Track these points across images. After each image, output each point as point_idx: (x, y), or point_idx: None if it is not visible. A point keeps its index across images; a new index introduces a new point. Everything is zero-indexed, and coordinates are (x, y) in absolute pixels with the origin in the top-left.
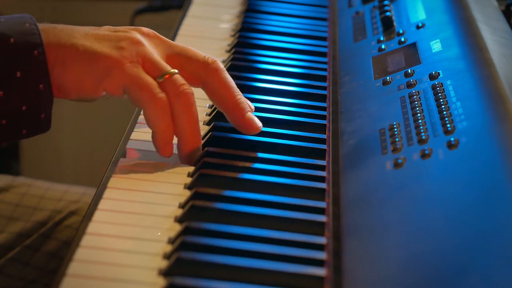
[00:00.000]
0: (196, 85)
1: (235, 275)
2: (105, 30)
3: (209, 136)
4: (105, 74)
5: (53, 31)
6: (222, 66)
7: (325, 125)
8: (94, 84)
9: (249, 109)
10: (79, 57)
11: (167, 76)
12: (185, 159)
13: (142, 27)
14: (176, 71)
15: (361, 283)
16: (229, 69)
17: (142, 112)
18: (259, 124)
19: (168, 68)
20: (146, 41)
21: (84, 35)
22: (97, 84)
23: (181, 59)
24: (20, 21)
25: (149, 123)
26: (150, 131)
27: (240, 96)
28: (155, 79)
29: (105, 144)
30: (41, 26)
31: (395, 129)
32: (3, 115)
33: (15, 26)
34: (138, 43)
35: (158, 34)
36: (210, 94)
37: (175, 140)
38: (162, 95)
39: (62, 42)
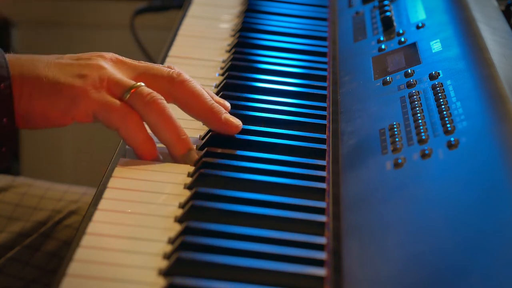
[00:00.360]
0: (168, 100)
1: (235, 275)
2: (68, 58)
3: (209, 136)
4: (71, 104)
5: (18, 63)
6: (187, 77)
7: (325, 125)
8: (61, 114)
9: (223, 110)
10: (43, 89)
11: (132, 90)
12: (182, 162)
13: (104, 53)
14: (142, 83)
15: (361, 283)
16: (229, 69)
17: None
18: (238, 122)
19: (132, 82)
20: (109, 65)
21: (47, 65)
22: (64, 114)
23: (146, 78)
24: None
25: (126, 141)
26: (150, 131)
27: (211, 101)
28: (121, 97)
29: (105, 144)
30: (8, 57)
31: (395, 129)
32: None
33: None
34: (100, 68)
35: (120, 58)
36: (183, 107)
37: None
38: (131, 112)
39: (26, 74)
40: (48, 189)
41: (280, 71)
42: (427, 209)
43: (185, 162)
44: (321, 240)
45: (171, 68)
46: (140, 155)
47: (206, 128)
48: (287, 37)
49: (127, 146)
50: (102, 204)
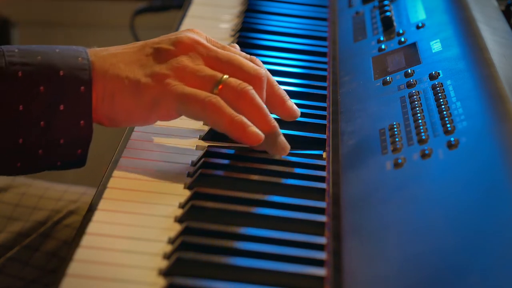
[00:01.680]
0: None
1: (235, 275)
2: (148, 51)
3: (210, 136)
4: (153, 105)
5: (100, 62)
6: (264, 83)
7: (325, 125)
8: (145, 115)
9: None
10: (126, 91)
11: (220, 86)
12: (273, 152)
13: (183, 37)
14: (226, 76)
15: (361, 283)
16: None
17: None
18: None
19: (218, 76)
20: (189, 57)
21: (128, 63)
22: (148, 115)
23: (228, 68)
24: (74, 54)
25: (215, 127)
26: (149, 131)
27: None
28: (210, 93)
29: (105, 144)
30: (90, 55)
31: (395, 129)
32: (41, 145)
33: (68, 59)
34: (181, 67)
35: (202, 42)
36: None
37: None
38: (210, 97)
39: (108, 75)
40: (48, 189)
41: (280, 71)
42: (427, 209)
43: (276, 152)
44: (321, 240)
45: (254, 62)
46: (236, 138)
47: (206, 129)
48: (287, 37)
49: (127, 146)
50: (102, 204)
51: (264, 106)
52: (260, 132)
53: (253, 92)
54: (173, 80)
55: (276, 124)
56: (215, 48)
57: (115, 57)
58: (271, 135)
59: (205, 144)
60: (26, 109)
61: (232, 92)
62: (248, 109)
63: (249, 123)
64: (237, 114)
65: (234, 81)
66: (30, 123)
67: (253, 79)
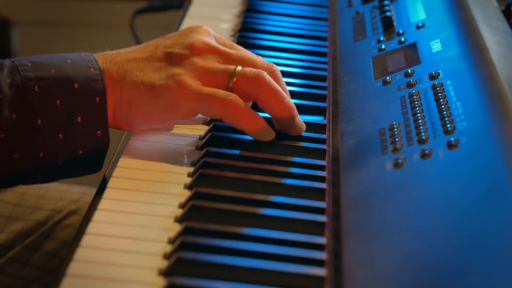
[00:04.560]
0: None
1: (235, 275)
2: (160, 55)
3: (209, 136)
4: (170, 107)
5: (116, 70)
6: (278, 73)
7: (325, 125)
8: (163, 116)
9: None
10: (142, 96)
11: (235, 79)
12: (293, 132)
13: (196, 41)
14: (239, 67)
15: (361, 283)
16: None
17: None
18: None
19: (231, 68)
20: (201, 57)
21: (143, 69)
22: (166, 116)
23: (240, 64)
24: (86, 64)
25: (236, 126)
26: (149, 131)
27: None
28: (226, 86)
29: None
30: (102, 63)
31: (395, 129)
32: (60, 157)
33: (80, 70)
34: (194, 66)
35: (212, 43)
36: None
37: None
38: (230, 95)
39: (125, 82)
40: (48, 188)
41: (280, 71)
42: (427, 209)
43: (294, 133)
44: (321, 240)
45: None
46: (253, 134)
47: (206, 128)
48: (287, 37)
49: (127, 146)
50: (102, 204)
51: (281, 89)
52: (270, 130)
53: (268, 77)
54: (189, 80)
55: (293, 106)
56: (226, 49)
57: (129, 62)
58: (289, 118)
59: None
60: (44, 123)
61: (248, 81)
62: (265, 94)
63: (265, 122)
64: (257, 114)
65: (248, 70)
66: (49, 137)
67: (266, 71)
